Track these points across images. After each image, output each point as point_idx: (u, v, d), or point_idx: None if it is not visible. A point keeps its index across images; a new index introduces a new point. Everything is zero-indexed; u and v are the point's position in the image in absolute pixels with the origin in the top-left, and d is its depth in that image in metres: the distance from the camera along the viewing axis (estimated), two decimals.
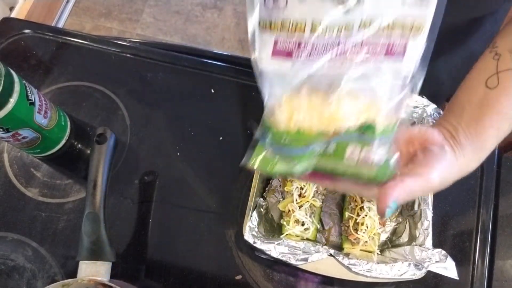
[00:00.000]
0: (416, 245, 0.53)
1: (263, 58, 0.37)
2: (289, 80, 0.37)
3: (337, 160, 0.41)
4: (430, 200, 0.55)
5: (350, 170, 0.40)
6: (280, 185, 0.60)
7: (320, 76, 0.36)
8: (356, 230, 0.55)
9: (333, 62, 0.35)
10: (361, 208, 0.56)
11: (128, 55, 0.71)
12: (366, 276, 0.51)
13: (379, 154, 0.40)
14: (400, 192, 0.38)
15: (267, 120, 0.40)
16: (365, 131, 0.38)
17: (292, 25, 0.35)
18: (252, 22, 0.37)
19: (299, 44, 0.35)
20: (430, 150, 0.42)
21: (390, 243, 0.58)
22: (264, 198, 0.59)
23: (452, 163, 0.42)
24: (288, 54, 0.36)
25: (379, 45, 0.35)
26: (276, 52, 0.36)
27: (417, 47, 0.36)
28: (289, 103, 0.38)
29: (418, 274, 0.50)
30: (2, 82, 0.48)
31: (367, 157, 0.39)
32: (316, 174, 0.43)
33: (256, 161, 0.42)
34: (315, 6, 0.34)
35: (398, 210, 0.59)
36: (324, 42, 0.35)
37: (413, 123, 0.61)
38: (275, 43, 0.36)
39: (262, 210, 0.57)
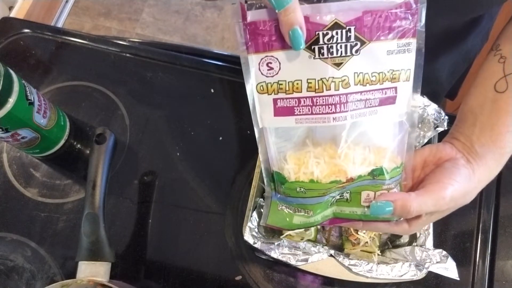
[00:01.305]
0: (416, 245, 0.53)
1: (266, 118, 0.39)
2: (293, 133, 0.40)
3: (353, 205, 0.43)
4: None
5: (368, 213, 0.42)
6: None
7: (324, 128, 0.38)
8: (356, 230, 0.55)
9: (334, 114, 0.37)
10: None
11: (127, 54, 0.71)
12: (367, 277, 0.50)
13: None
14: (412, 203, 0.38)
15: (279, 173, 0.41)
16: (377, 176, 0.40)
17: (289, 85, 0.37)
18: (249, 87, 0.39)
19: (299, 100, 0.37)
20: (442, 166, 0.42)
21: (391, 244, 0.58)
22: (264, 199, 0.58)
23: (468, 175, 0.41)
24: (290, 111, 0.38)
25: (374, 94, 0.38)
26: (278, 112, 0.38)
27: (406, 87, 0.39)
28: (295, 156, 0.40)
29: (419, 274, 0.50)
30: (1, 82, 0.48)
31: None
32: (336, 219, 0.45)
33: (274, 218, 0.44)
34: (307, 66, 0.36)
35: None
36: (323, 96, 0.36)
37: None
38: (275, 102, 0.38)
39: (262, 210, 0.57)
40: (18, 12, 1.55)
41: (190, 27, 1.83)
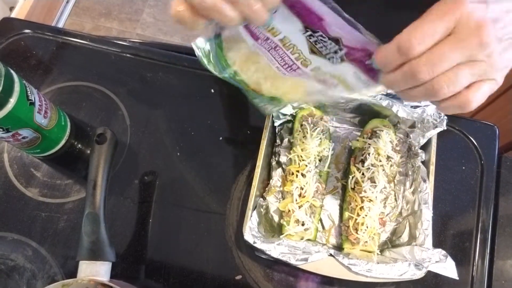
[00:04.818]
0: (416, 245, 0.53)
1: None
2: (248, 47, 0.44)
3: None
4: (430, 200, 0.55)
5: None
6: (280, 185, 0.60)
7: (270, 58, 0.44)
8: (356, 230, 0.55)
9: (280, 67, 0.44)
10: (361, 208, 0.56)
11: (128, 55, 0.71)
12: (366, 276, 0.50)
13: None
14: None
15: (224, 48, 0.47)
16: (273, 99, 0.49)
17: (270, 27, 0.40)
18: None
19: (268, 39, 0.42)
20: None
21: (390, 243, 0.58)
22: (264, 198, 0.59)
23: None
24: (255, 37, 0.43)
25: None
26: (247, 27, 0.42)
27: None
28: (241, 55, 0.46)
29: (418, 274, 0.50)
30: (2, 82, 0.48)
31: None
32: None
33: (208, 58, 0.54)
34: (294, 31, 0.40)
35: (398, 211, 0.59)
36: (284, 53, 0.42)
37: (413, 123, 0.61)
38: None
39: (262, 210, 0.57)
40: (19, 12, 1.56)
41: None
